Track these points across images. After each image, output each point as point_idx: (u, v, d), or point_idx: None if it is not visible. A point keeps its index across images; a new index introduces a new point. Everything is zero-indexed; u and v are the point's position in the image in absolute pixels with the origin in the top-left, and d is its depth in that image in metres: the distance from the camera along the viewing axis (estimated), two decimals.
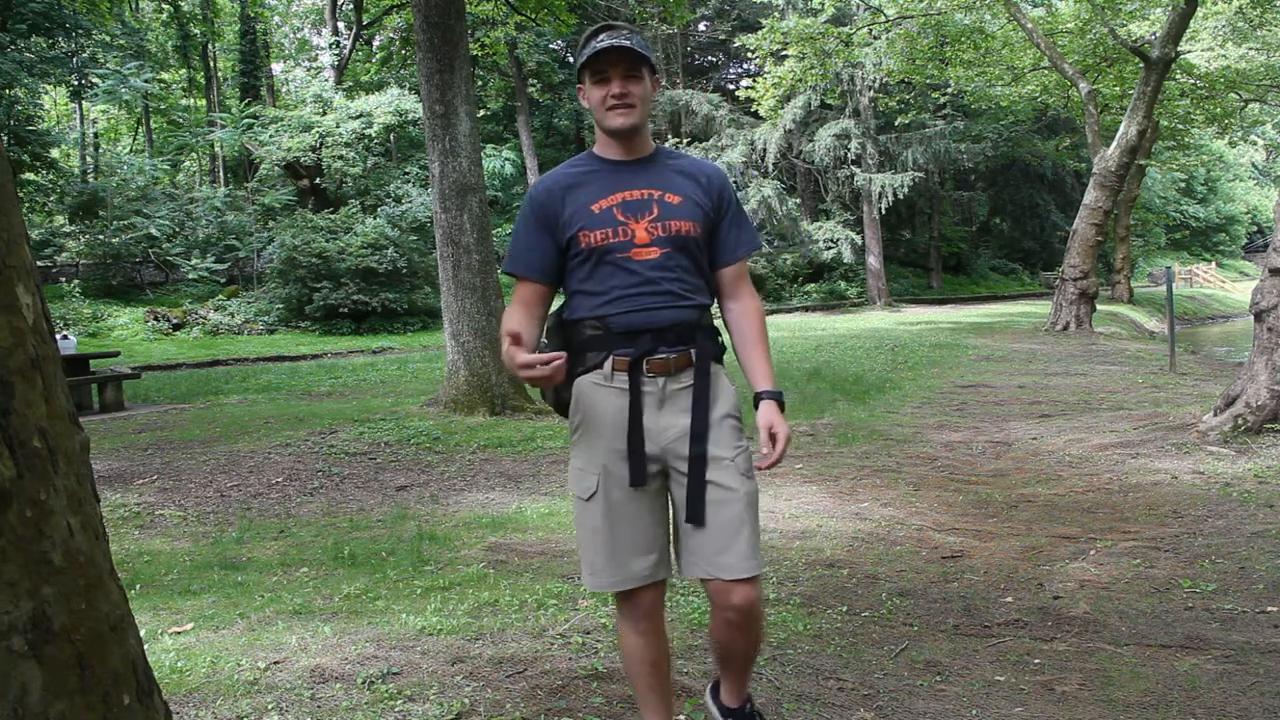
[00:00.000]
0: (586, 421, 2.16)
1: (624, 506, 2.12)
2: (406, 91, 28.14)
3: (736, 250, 2.23)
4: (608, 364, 2.12)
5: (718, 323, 2.26)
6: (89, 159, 31.35)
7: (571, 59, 37.15)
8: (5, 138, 21.84)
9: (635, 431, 2.10)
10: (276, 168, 26.92)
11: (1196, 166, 37.93)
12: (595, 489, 2.13)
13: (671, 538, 2.21)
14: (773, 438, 2.12)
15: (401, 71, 33.87)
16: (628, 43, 2.08)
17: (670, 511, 2.20)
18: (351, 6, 33.72)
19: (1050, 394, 9.46)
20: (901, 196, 29.26)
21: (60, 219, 25.79)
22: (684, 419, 2.12)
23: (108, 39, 26.48)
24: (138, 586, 4.04)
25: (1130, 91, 19.34)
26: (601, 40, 2.10)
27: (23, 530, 1.31)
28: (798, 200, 32.26)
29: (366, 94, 29.59)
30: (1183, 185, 51.11)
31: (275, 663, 3.01)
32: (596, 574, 2.15)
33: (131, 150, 34.62)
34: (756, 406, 2.18)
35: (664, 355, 2.11)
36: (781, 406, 2.16)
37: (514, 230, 2.24)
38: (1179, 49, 17.36)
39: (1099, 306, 19.58)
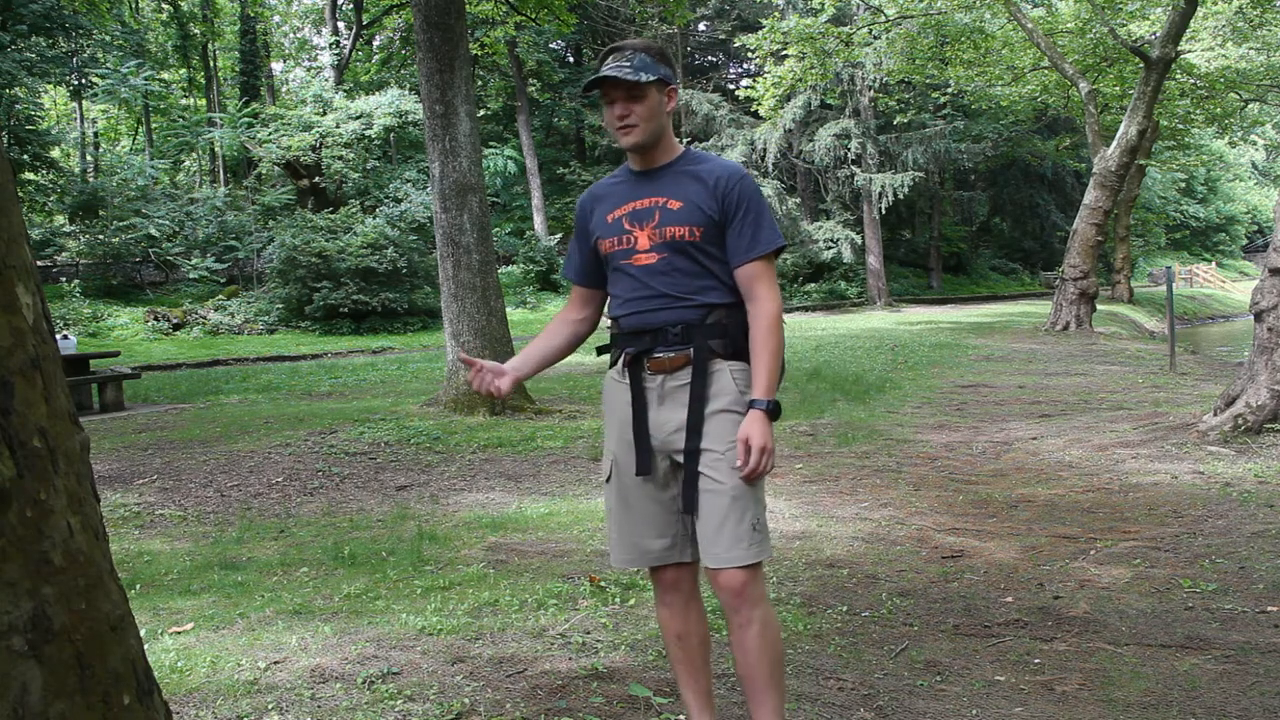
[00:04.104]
0: (605, 413, 2.37)
1: (633, 492, 2.28)
2: (406, 92, 28.14)
3: (746, 252, 2.24)
4: (620, 361, 2.30)
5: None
6: (89, 159, 31.35)
7: (571, 59, 37.26)
8: (5, 138, 21.84)
9: (640, 423, 2.25)
10: (276, 167, 26.93)
11: (1196, 166, 37.89)
12: (609, 474, 2.33)
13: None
14: (748, 449, 2.14)
15: (401, 71, 33.88)
16: (624, 70, 2.18)
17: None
18: (351, 6, 33.74)
19: (1050, 394, 9.46)
20: (901, 196, 29.25)
21: (60, 219, 25.79)
22: (681, 414, 2.22)
23: (108, 39, 26.48)
24: (138, 586, 4.04)
25: (1130, 91, 19.33)
26: (604, 67, 2.21)
27: (23, 530, 1.31)
28: (798, 200, 32.27)
29: (366, 94, 29.60)
30: (1183, 185, 51.09)
31: (275, 663, 3.01)
32: (612, 551, 2.36)
33: (131, 150, 34.61)
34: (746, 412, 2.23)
35: (662, 354, 2.23)
36: (771, 416, 2.17)
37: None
38: (1179, 49, 17.35)
39: (1099, 306, 19.58)
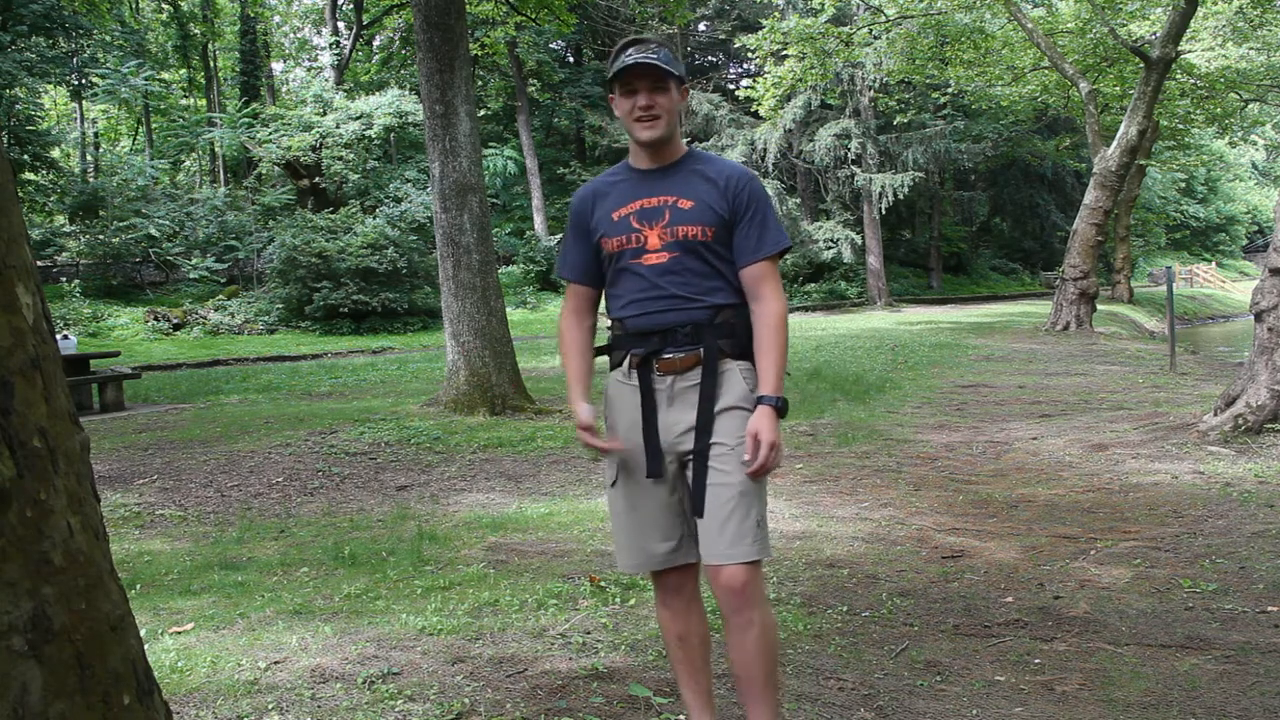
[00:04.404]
0: (610, 416, 2.33)
1: (640, 496, 2.25)
2: (407, 92, 28.14)
3: (754, 253, 2.24)
4: (626, 362, 2.27)
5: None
6: (89, 159, 31.36)
7: (571, 59, 37.24)
8: (5, 138, 21.85)
9: (650, 426, 2.22)
10: (276, 167, 26.94)
11: (1196, 166, 37.89)
12: (615, 478, 2.29)
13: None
14: (756, 444, 2.14)
15: (401, 72, 33.89)
16: (654, 59, 2.18)
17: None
18: (351, 6, 33.74)
19: (1050, 394, 9.46)
20: (901, 196, 29.25)
21: (60, 219, 25.80)
22: (690, 415, 2.21)
23: (108, 39, 26.49)
24: (138, 586, 4.04)
25: (1130, 91, 19.33)
26: (630, 55, 2.20)
27: (23, 530, 1.31)
28: (798, 200, 32.27)
29: (366, 94, 29.61)
30: (1183, 185, 51.08)
31: (275, 663, 3.01)
32: (619, 555, 2.34)
33: (131, 150, 34.63)
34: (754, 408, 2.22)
35: (671, 355, 2.21)
36: (779, 413, 2.17)
37: (563, 236, 2.44)
38: (1179, 49, 17.35)
39: (1099, 306, 19.58)
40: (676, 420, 2.22)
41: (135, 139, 36.72)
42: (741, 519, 2.14)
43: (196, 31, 34.36)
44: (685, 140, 2.40)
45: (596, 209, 2.31)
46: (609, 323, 2.37)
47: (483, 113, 35.42)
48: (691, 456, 2.20)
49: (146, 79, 25.37)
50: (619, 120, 2.28)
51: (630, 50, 2.22)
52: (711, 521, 2.16)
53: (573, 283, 2.40)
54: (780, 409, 2.17)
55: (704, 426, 2.19)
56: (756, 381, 2.22)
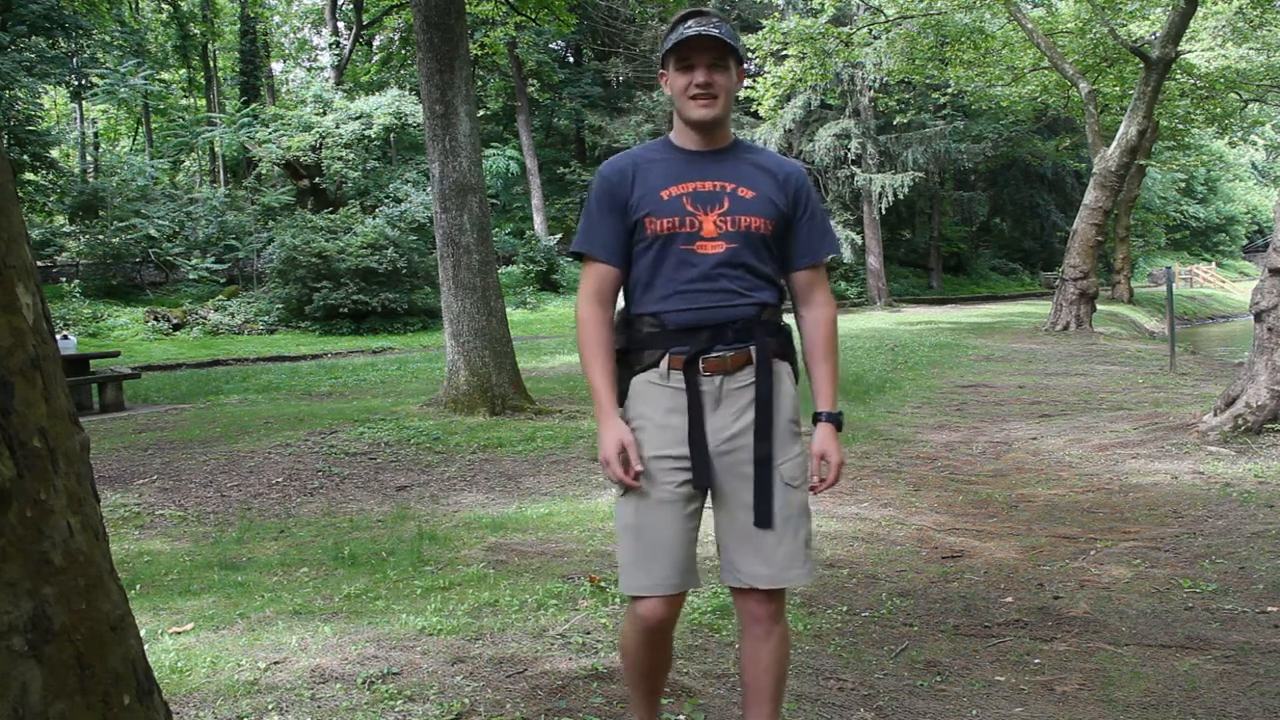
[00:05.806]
0: (635, 422, 2.09)
1: (658, 511, 2.04)
2: (406, 92, 28.15)
3: (812, 255, 2.13)
4: (664, 362, 2.06)
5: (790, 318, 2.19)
6: (89, 159, 31.37)
7: (571, 59, 37.24)
8: (5, 138, 21.84)
9: (697, 430, 2.03)
10: (276, 167, 26.95)
11: (1196, 166, 37.88)
12: (627, 489, 2.06)
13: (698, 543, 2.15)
14: (826, 464, 2.07)
15: (401, 71, 33.90)
16: (716, 31, 2.02)
17: (701, 519, 2.13)
18: (351, 6, 33.75)
19: (1050, 394, 9.46)
20: (901, 196, 29.27)
21: (60, 219, 25.80)
22: (739, 420, 2.05)
23: (108, 39, 26.50)
24: (138, 586, 4.04)
25: (1130, 91, 19.34)
26: (689, 27, 2.03)
27: (23, 530, 1.31)
28: None
29: (366, 94, 29.63)
30: (1183, 185, 51.10)
31: (275, 663, 3.00)
32: (624, 574, 2.09)
33: (131, 150, 34.64)
34: (815, 424, 2.13)
35: (720, 353, 2.04)
36: (839, 428, 2.10)
37: (584, 209, 2.19)
38: (1179, 49, 17.36)
39: (1099, 306, 19.59)
40: (722, 425, 2.04)
41: (135, 139, 36.74)
42: (792, 539, 2.04)
43: (196, 31, 34.37)
44: None
45: (638, 183, 2.08)
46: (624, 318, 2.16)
47: (483, 113, 35.42)
48: (738, 464, 2.04)
49: (146, 79, 25.37)
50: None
51: (689, 21, 2.04)
52: (761, 541, 2.03)
53: (598, 262, 2.11)
54: (840, 425, 2.08)
55: (765, 430, 2.03)
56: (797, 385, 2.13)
